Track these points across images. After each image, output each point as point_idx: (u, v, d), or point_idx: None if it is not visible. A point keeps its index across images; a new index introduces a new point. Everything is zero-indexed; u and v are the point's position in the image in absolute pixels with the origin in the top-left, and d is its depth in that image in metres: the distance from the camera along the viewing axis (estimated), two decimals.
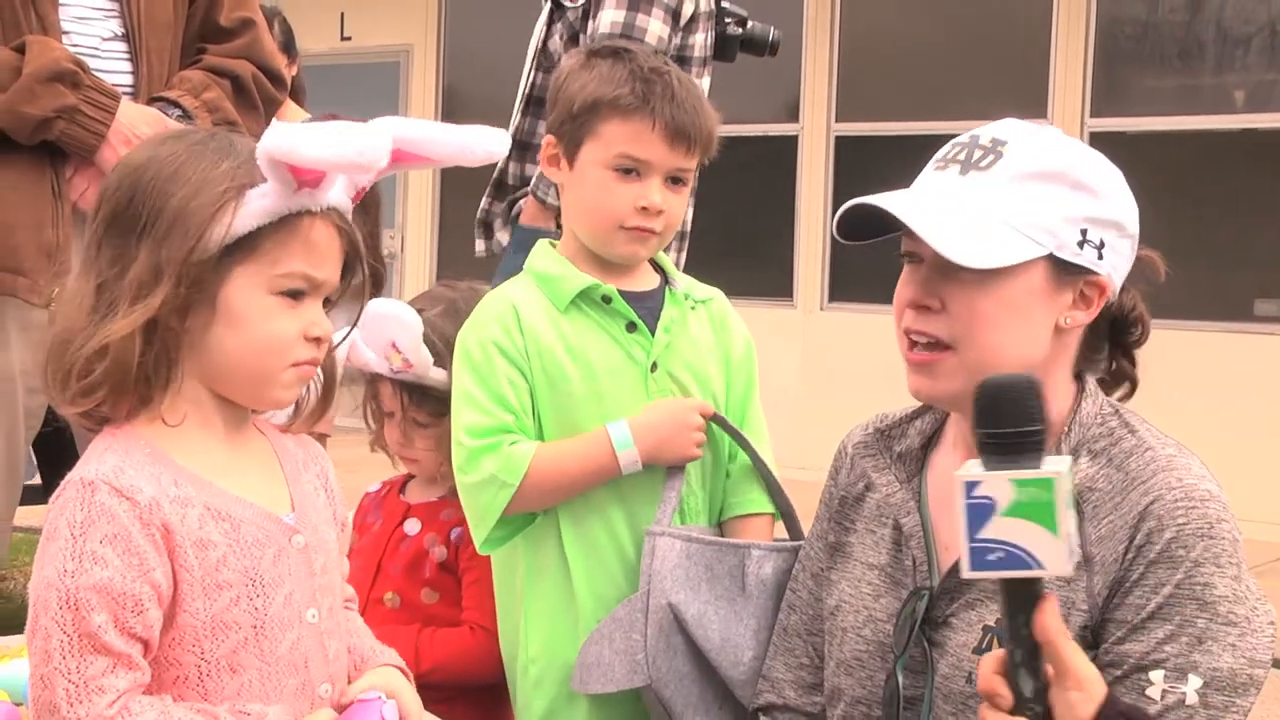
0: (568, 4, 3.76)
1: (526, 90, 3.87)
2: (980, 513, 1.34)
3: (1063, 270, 1.70)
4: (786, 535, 2.25)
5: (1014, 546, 1.33)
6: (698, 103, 2.14)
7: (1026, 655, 1.37)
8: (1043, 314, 1.70)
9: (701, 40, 3.70)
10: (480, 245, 3.85)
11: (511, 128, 3.90)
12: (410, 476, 2.47)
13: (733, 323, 2.27)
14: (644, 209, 2.10)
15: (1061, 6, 8.18)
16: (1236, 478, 2.90)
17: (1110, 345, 1.85)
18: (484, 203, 3.86)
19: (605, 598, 2.12)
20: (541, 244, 2.25)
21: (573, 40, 3.76)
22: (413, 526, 2.36)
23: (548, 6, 3.83)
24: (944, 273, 1.69)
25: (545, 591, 2.15)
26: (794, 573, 2.03)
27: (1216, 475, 1.72)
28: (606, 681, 2.03)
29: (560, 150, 2.17)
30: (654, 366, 2.15)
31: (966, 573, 1.38)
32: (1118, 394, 1.85)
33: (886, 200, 1.71)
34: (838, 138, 8.86)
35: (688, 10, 3.67)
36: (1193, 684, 1.59)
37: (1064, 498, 1.34)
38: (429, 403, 2.33)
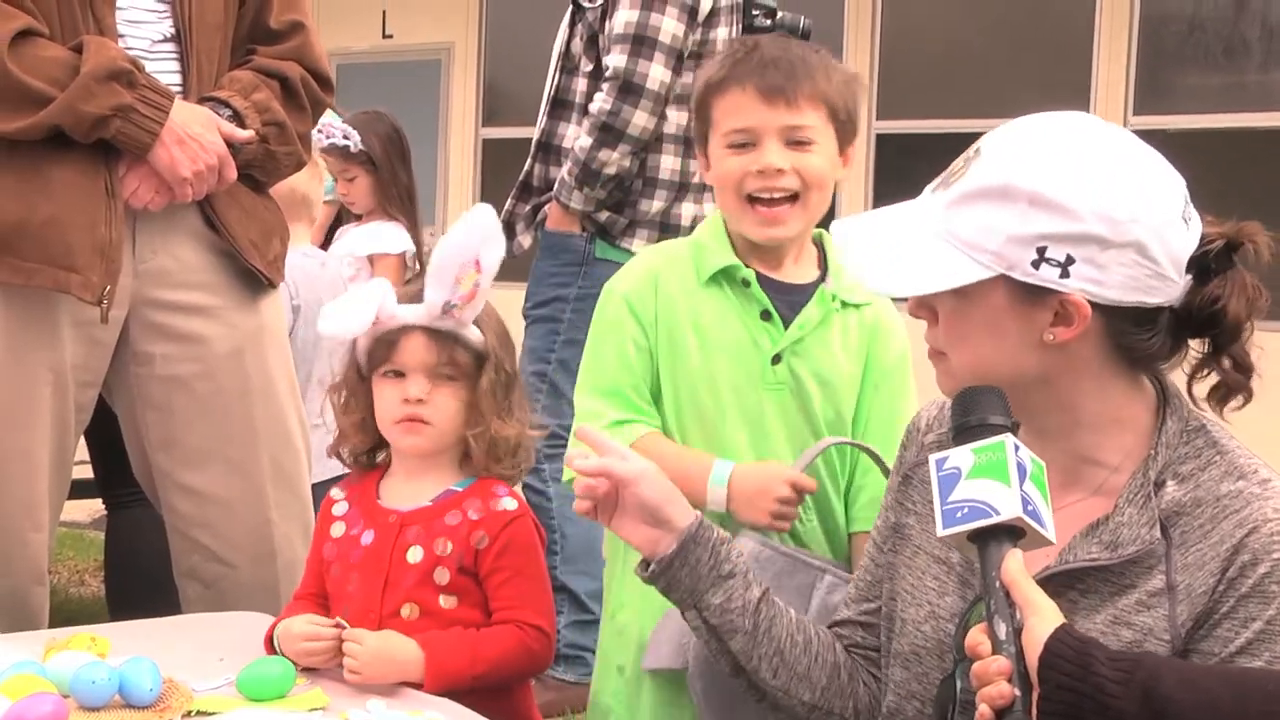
0: (586, 4, 3.77)
1: (551, 93, 3.88)
2: (949, 482, 1.57)
3: (1025, 290, 1.63)
4: None
5: (976, 501, 1.54)
6: (798, 61, 2.14)
7: (999, 603, 1.51)
8: (1019, 331, 1.65)
9: (725, 35, 3.70)
10: None
11: (537, 130, 3.92)
12: (381, 476, 2.23)
13: (886, 330, 2.22)
14: (760, 172, 2.12)
15: (1104, 3, 8.14)
16: None
17: (1211, 347, 1.69)
18: (509, 204, 3.89)
19: None
20: (719, 214, 2.27)
21: (592, 41, 3.77)
22: (416, 535, 2.17)
23: (570, 8, 3.85)
24: None
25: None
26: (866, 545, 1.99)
27: None
28: (656, 659, 2.05)
29: (703, 154, 2.23)
30: (777, 359, 2.16)
31: (940, 532, 1.56)
32: (1232, 404, 1.69)
33: (841, 224, 1.76)
34: (878, 135, 8.83)
35: (705, 5, 3.67)
36: None
37: (1013, 458, 1.55)
38: (462, 353, 2.13)
